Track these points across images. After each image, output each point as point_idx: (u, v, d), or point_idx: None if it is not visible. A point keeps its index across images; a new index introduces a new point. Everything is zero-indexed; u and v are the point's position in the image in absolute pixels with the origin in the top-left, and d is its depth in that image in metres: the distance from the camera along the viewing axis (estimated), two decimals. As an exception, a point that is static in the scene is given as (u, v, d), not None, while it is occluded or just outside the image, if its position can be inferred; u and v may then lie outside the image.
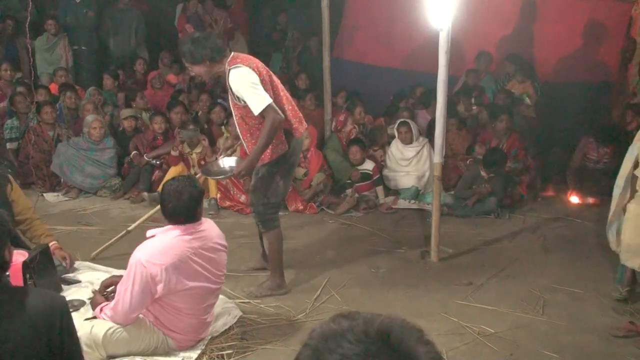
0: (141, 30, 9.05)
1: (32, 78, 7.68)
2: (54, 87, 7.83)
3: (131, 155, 6.54)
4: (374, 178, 6.26)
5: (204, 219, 3.27)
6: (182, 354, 3.26)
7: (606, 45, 7.31)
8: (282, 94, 3.92)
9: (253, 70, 3.69)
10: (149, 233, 3.16)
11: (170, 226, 3.15)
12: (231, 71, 3.71)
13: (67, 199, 6.25)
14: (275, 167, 3.96)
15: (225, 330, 3.58)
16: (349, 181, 6.19)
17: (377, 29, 8.05)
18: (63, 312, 2.18)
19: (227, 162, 4.31)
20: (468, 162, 6.38)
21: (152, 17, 9.53)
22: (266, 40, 9.97)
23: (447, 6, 4.32)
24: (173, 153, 6.17)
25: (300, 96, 7.37)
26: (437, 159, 4.66)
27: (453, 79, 6.68)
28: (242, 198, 5.90)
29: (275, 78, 3.94)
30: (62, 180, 6.39)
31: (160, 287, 3.01)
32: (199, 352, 3.30)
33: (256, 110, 3.67)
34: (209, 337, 3.45)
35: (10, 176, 4.23)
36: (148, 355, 3.20)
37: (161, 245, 3.08)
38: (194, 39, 3.80)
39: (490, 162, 5.94)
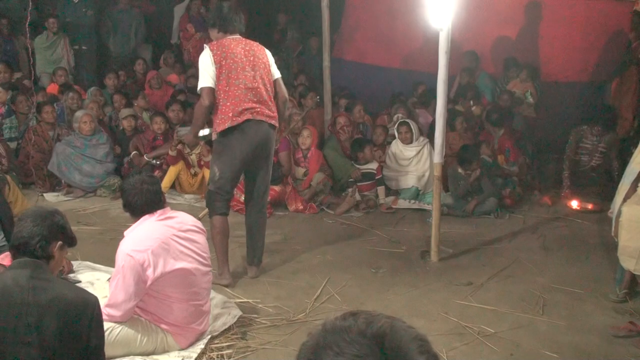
0: (141, 31, 9.06)
1: (32, 78, 7.68)
2: (53, 88, 7.83)
3: (131, 156, 6.54)
4: (377, 178, 6.26)
5: (175, 212, 3.33)
6: (181, 354, 3.26)
7: (607, 45, 7.30)
8: (226, 87, 4.04)
9: (212, 54, 4.03)
10: (126, 232, 3.19)
11: (143, 217, 3.19)
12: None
13: (67, 199, 6.24)
14: (214, 155, 4.28)
15: (225, 330, 3.58)
16: (350, 180, 6.19)
17: (377, 29, 8.05)
18: (95, 308, 2.33)
19: (202, 132, 4.53)
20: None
21: (153, 17, 9.53)
22: (266, 41, 9.96)
23: (447, 6, 4.32)
24: (171, 153, 6.17)
25: (301, 95, 7.41)
26: (437, 159, 4.66)
27: (452, 79, 6.68)
28: (243, 198, 5.89)
29: (245, 72, 4.07)
30: (62, 180, 6.39)
31: (150, 272, 3.02)
32: (198, 351, 3.30)
33: (198, 88, 4.11)
34: (209, 336, 3.45)
35: (9, 177, 4.23)
36: (147, 355, 3.20)
37: (142, 233, 3.12)
38: (218, 7, 4.24)
39: (462, 159, 5.95)
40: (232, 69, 4.03)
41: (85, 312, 2.28)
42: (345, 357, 0.98)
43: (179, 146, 6.17)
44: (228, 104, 4.05)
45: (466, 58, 7.55)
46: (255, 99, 4.10)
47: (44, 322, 2.19)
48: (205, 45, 4.11)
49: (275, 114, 4.24)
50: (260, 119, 4.12)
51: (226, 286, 4.16)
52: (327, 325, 1.05)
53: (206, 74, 4.02)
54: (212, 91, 4.02)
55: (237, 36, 4.17)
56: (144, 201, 3.17)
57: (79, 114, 6.50)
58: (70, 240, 2.50)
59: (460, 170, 5.95)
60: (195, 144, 4.95)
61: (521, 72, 7.33)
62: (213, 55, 4.01)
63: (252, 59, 4.12)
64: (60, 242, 2.41)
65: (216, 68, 4.01)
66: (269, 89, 4.21)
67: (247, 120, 4.08)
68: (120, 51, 8.97)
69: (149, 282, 3.05)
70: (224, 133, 4.09)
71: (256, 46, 4.22)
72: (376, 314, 1.06)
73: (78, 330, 2.25)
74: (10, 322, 2.17)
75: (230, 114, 4.04)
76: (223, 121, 4.06)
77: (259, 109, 4.11)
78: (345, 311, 1.11)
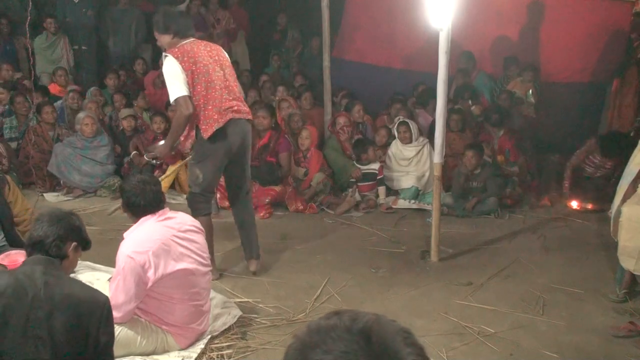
0: (141, 30, 9.02)
1: (32, 78, 7.68)
2: (53, 87, 7.83)
3: (131, 156, 6.54)
4: (378, 178, 6.26)
5: (174, 212, 3.34)
6: (181, 354, 3.26)
7: (608, 45, 7.29)
8: (203, 92, 3.98)
9: (178, 62, 3.91)
10: (126, 234, 3.19)
11: (143, 218, 3.20)
12: (164, 58, 3.99)
13: (67, 199, 6.24)
14: (194, 158, 4.23)
15: (225, 330, 3.58)
16: (352, 180, 6.20)
17: (377, 29, 8.04)
18: (105, 306, 2.36)
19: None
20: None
21: (154, 16, 9.50)
22: (266, 41, 9.97)
23: (447, 6, 4.32)
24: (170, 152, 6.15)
25: (297, 95, 7.42)
26: (437, 159, 4.66)
27: (452, 80, 6.67)
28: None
29: (215, 72, 4.03)
30: (62, 181, 6.39)
31: (151, 273, 3.02)
32: (198, 351, 3.30)
33: (170, 99, 4.02)
34: (209, 336, 3.45)
35: (9, 177, 4.22)
36: (147, 355, 3.20)
37: (142, 234, 3.12)
38: (167, 11, 4.13)
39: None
40: (204, 73, 3.98)
41: (96, 310, 2.31)
42: (333, 354, 0.98)
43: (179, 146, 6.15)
44: (209, 107, 4.00)
45: (462, 59, 7.53)
46: (231, 97, 4.11)
47: (55, 317, 2.22)
48: (165, 53, 3.98)
49: (248, 108, 4.31)
50: (239, 117, 4.14)
51: (215, 280, 4.15)
52: (312, 326, 1.05)
53: (179, 83, 3.90)
54: (190, 99, 3.93)
55: (192, 39, 4.10)
56: (146, 202, 3.17)
57: (81, 115, 6.51)
58: (85, 242, 2.53)
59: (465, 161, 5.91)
60: (168, 155, 4.78)
61: (523, 72, 7.32)
62: (180, 63, 3.90)
63: (216, 58, 4.10)
64: (75, 243, 2.46)
65: (187, 75, 3.91)
66: (238, 84, 4.25)
67: (230, 120, 4.07)
68: (120, 51, 8.95)
69: (149, 284, 3.05)
70: (211, 137, 4.03)
71: (213, 45, 4.22)
72: (359, 311, 1.06)
73: (88, 328, 2.28)
74: (22, 315, 2.20)
75: (216, 116, 4.01)
76: (210, 125, 4.01)
77: (236, 107, 4.12)
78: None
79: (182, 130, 4.06)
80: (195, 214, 4.17)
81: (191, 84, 3.94)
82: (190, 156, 4.33)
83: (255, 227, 4.51)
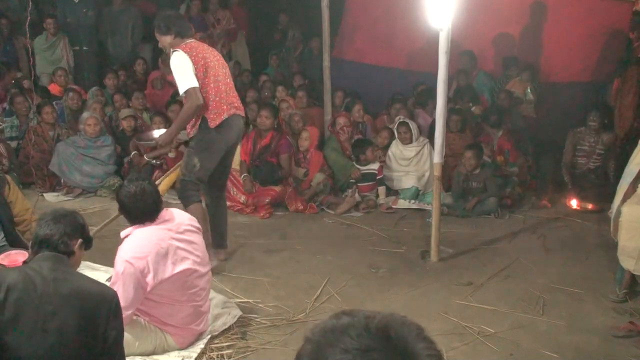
0: (137, 30, 8.97)
1: (32, 78, 7.67)
2: (53, 87, 7.83)
3: (131, 156, 6.54)
4: (378, 178, 6.27)
5: (169, 209, 3.33)
6: (181, 353, 3.26)
7: (608, 44, 7.29)
8: (212, 85, 4.16)
9: (189, 56, 4.07)
10: (122, 233, 3.18)
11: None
12: (172, 53, 4.14)
13: (67, 199, 6.24)
14: (194, 147, 4.30)
15: (225, 330, 3.58)
16: (352, 180, 6.20)
17: (377, 29, 8.04)
18: (114, 302, 2.38)
19: (159, 133, 4.70)
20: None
21: (154, 17, 9.48)
22: (266, 41, 9.97)
23: (447, 6, 4.32)
24: (170, 155, 6.15)
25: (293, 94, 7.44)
26: (437, 159, 4.66)
27: (451, 79, 6.66)
28: (242, 198, 5.91)
29: (220, 70, 4.24)
30: (62, 180, 6.39)
31: (150, 278, 3.02)
32: (198, 351, 3.30)
33: (180, 90, 4.12)
34: (209, 336, 3.45)
35: (9, 177, 4.23)
36: (147, 355, 3.20)
37: (141, 238, 3.11)
38: (168, 14, 4.32)
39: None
40: (212, 67, 4.18)
41: (104, 305, 2.33)
42: (353, 353, 0.98)
43: (181, 147, 6.15)
44: (217, 99, 4.19)
45: (463, 59, 7.52)
46: (231, 94, 4.33)
47: (63, 311, 2.24)
48: (174, 49, 4.13)
49: (242, 106, 4.50)
50: (239, 114, 4.36)
51: (215, 268, 4.15)
52: (324, 326, 1.04)
53: (190, 74, 4.06)
54: (199, 91, 4.09)
55: (193, 40, 4.27)
56: (143, 211, 3.15)
57: (85, 115, 6.53)
58: (88, 241, 2.56)
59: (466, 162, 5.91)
60: (170, 146, 4.84)
61: (522, 72, 7.31)
62: (190, 57, 4.07)
63: (217, 57, 4.31)
64: (80, 240, 2.49)
65: (198, 68, 4.09)
66: (233, 84, 4.44)
67: (234, 115, 4.28)
68: (119, 51, 8.94)
69: (148, 288, 3.04)
70: (218, 127, 4.20)
71: (210, 47, 4.44)
72: (367, 310, 1.07)
73: (96, 322, 2.30)
74: (32, 310, 2.22)
75: (225, 107, 4.22)
76: (218, 115, 4.20)
77: (236, 104, 4.35)
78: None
79: (189, 120, 4.20)
80: (186, 203, 4.30)
81: (201, 76, 4.11)
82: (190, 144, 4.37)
83: (227, 218, 4.70)
